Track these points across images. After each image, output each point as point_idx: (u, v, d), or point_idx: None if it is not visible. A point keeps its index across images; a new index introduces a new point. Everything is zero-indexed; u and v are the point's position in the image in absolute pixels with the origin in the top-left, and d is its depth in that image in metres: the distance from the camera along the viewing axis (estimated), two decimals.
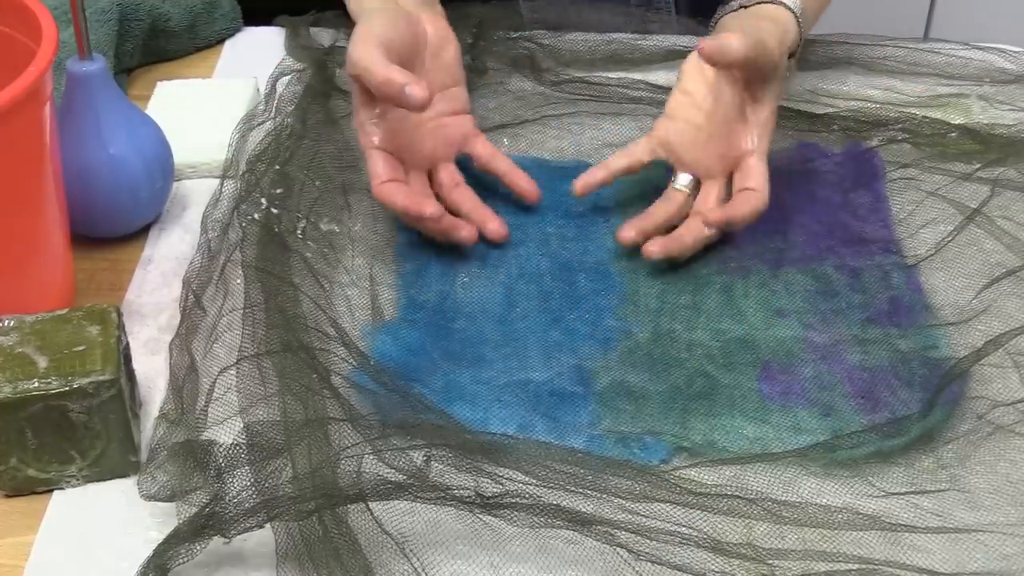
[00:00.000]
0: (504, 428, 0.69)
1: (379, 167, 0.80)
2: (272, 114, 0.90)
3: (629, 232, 0.80)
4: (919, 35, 1.74)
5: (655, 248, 0.79)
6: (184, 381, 0.70)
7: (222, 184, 0.84)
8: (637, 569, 0.61)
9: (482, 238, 0.82)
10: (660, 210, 0.82)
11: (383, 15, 0.81)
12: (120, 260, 0.82)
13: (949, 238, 0.82)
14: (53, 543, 0.64)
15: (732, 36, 0.78)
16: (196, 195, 0.87)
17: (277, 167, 0.84)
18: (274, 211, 0.81)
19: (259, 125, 0.89)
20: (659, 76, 0.97)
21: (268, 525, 0.61)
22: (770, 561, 0.61)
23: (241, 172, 0.84)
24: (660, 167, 0.88)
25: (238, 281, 0.77)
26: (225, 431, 0.68)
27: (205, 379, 0.71)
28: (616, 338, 0.75)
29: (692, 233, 0.80)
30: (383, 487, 0.62)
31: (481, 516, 0.63)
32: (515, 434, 0.68)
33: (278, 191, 0.82)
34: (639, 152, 0.84)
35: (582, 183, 0.83)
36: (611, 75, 0.97)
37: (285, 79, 0.94)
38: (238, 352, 0.71)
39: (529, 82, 0.96)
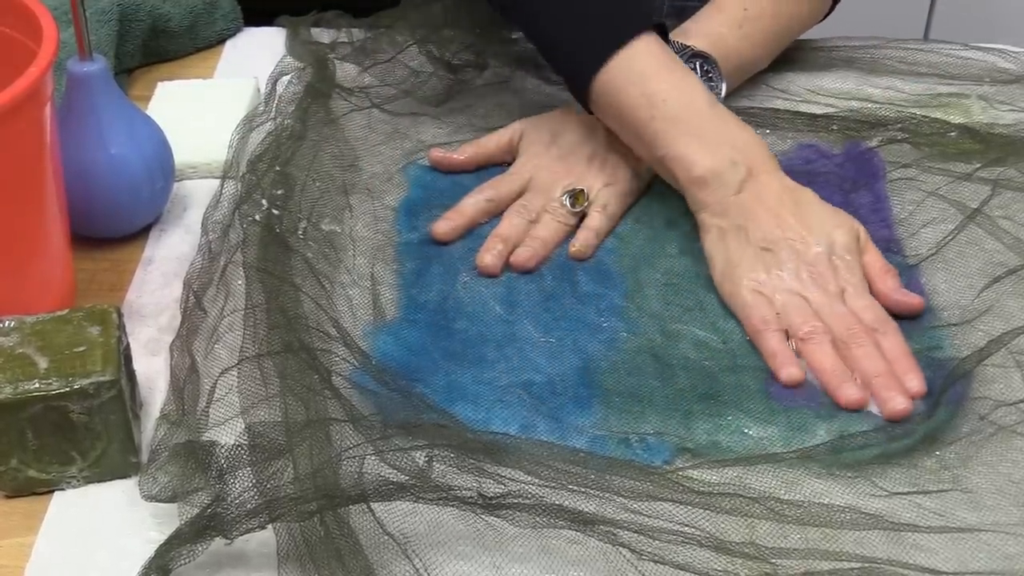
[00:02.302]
0: (506, 428, 0.68)
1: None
2: (272, 114, 0.90)
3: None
4: (919, 35, 1.74)
5: None
6: (185, 382, 0.70)
7: (222, 185, 0.84)
8: (640, 569, 0.61)
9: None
10: None
11: None
12: (121, 260, 0.82)
13: (950, 238, 0.82)
14: (54, 544, 0.64)
15: (464, 148, 0.88)
16: (197, 195, 0.87)
17: (277, 168, 0.84)
18: (275, 212, 0.81)
19: (259, 126, 0.89)
20: None
21: (270, 526, 0.61)
22: (773, 560, 0.61)
23: (242, 173, 0.84)
24: None
25: (239, 282, 0.77)
26: (226, 432, 0.68)
27: (206, 380, 0.70)
28: (619, 338, 0.75)
29: None
30: (385, 488, 0.62)
31: (483, 516, 0.62)
32: (517, 434, 0.68)
33: (279, 192, 0.82)
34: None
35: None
36: None
37: (285, 79, 0.94)
38: (239, 353, 0.71)
39: (531, 80, 0.96)
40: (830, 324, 0.74)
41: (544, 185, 0.84)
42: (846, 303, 0.75)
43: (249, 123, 0.89)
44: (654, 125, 0.80)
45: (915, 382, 0.71)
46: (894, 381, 0.71)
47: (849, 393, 0.70)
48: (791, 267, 0.76)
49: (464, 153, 0.88)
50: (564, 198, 0.83)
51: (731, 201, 0.78)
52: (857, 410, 0.70)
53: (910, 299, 0.76)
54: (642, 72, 0.81)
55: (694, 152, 0.79)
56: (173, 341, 0.73)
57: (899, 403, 0.69)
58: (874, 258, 0.78)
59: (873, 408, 0.70)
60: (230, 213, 0.81)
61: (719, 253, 0.78)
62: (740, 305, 0.76)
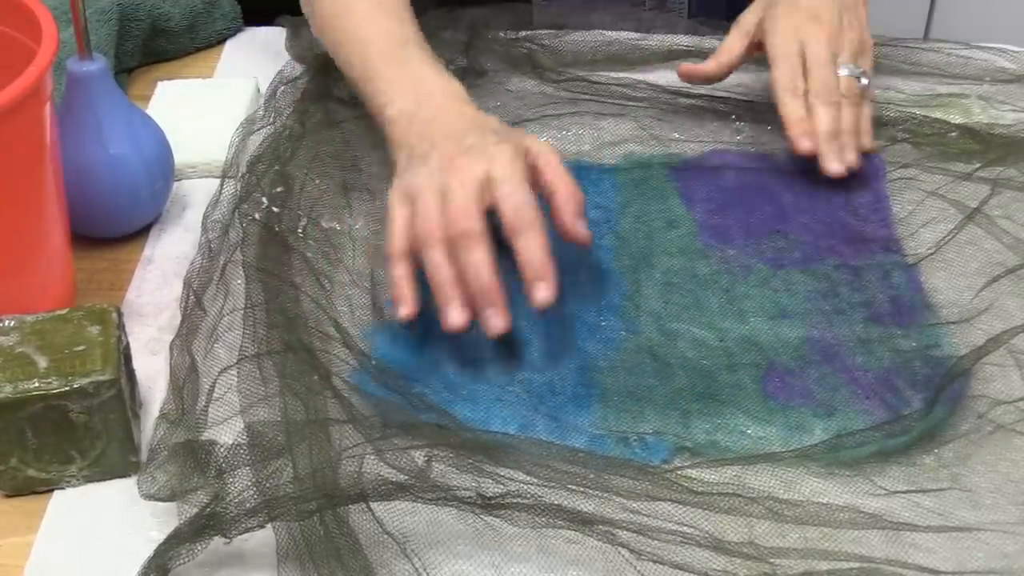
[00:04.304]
0: (505, 428, 0.68)
1: None
2: (271, 118, 0.90)
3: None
4: (919, 35, 1.74)
5: None
6: (185, 381, 0.70)
7: (222, 185, 0.84)
8: (639, 568, 0.61)
9: None
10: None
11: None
12: (120, 260, 0.82)
13: (949, 237, 0.82)
14: (53, 543, 0.64)
15: (711, 62, 0.91)
16: (196, 195, 0.87)
17: (277, 168, 0.84)
18: (275, 210, 0.81)
19: (260, 129, 0.89)
20: (660, 76, 0.97)
21: (269, 525, 0.61)
22: (771, 560, 0.61)
23: (241, 174, 0.84)
24: (660, 168, 0.88)
25: (239, 281, 0.77)
26: (226, 431, 0.68)
27: (205, 379, 0.70)
28: (618, 337, 0.75)
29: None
30: (384, 487, 0.62)
31: (482, 516, 0.62)
32: (516, 434, 0.68)
33: (278, 190, 0.82)
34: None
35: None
36: (612, 75, 0.97)
37: (286, 80, 0.94)
38: (239, 352, 0.71)
39: (530, 82, 0.96)
40: (446, 226, 0.71)
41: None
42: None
43: (249, 125, 0.89)
44: (367, 86, 0.83)
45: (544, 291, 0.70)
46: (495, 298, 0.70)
47: (454, 317, 0.70)
48: (451, 183, 0.72)
49: (713, 63, 0.91)
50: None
51: (418, 132, 0.77)
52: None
53: (578, 232, 0.73)
54: (361, 37, 0.84)
55: (386, 97, 0.80)
56: (173, 340, 0.73)
57: (496, 321, 0.69)
58: (556, 177, 0.74)
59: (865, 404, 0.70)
60: (230, 212, 0.81)
61: (398, 176, 0.76)
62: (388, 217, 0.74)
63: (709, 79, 0.92)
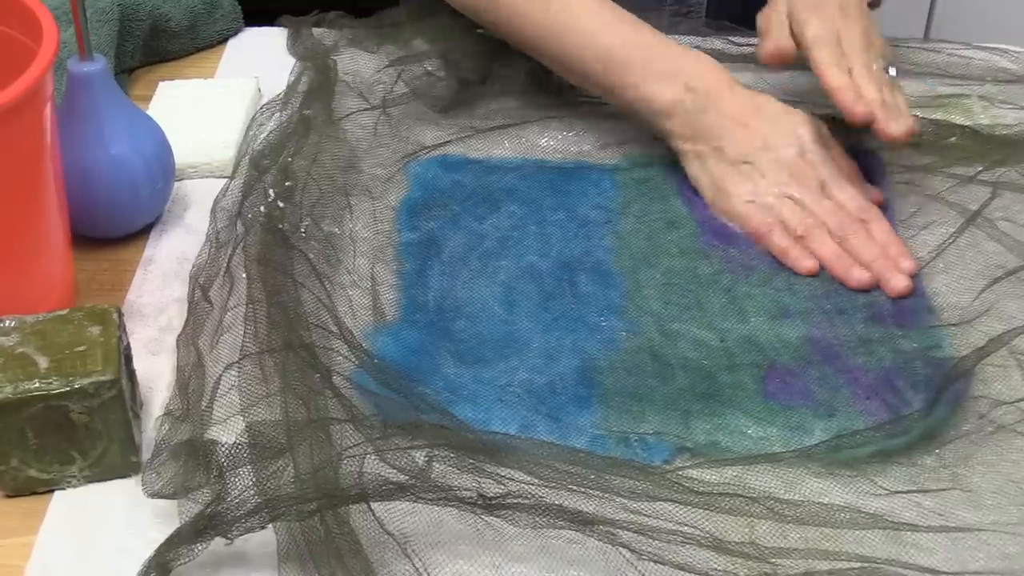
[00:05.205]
0: (506, 428, 0.68)
1: None
2: (280, 107, 0.90)
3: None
4: (919, 35, 1.74)
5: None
6: (190, 377, 0.70)
7: (234, 173, 0.83)
8: (639, 569, 0.61)
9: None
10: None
11: None
12: (121, 260, 0.82)
13: (950, 240, 0.82)
14: (54, 543, 0.64)
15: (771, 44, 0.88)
16: (197, 195, 0.87)
17: (282, 160, 0.84)
18: (280, 204, 0.80)
19: (272, 117, 0.89)
20: None
21: (270, 525, 0.61)
22: (772, 560, 0.61)
23: (247, 169, 0.84)
24: (661, 168, 0.88)
25: (244, 275, 0.77)
26: (227, 431, 0.67)
27: (211, 374, 0.70)
28: (618, 338, 0.75)
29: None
30: (385, 487, 0.62)
31: (483, 516, 0.62)
32: (517, 434, 0.68)
33: (287, 184, 0.82)
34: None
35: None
36: None
37: (291, 77, 0.94)
38: (240, 351, 0.71)
39: (531, 83, 0.96)
40: (822, 220, 0.80)
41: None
42: (829, 196, 0.81)
43: (270, 113, 0.89)
44: (610, 79, 0.86)
45: (907, 263, 0.78)
46: (891, 263, 0.78)
47: (858, 275, 0.78)
48: (772, 172, 0.81)
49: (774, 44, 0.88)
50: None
51: (699, 124, 0.83)
52: (867, 291, 0.77)
53: (872, 195, 0.83)
54: (584, 28, 0.86)
55: (652, 89, 0.85)
56: (179, 335, 0.73)
57: (900, 281, 0.77)
58: (839, 153, 0.84)
59: (870, 403, 0.70)
60: (238, 202, 0.81)
61: (703, 176, 0.84)
62: (737, 219, 0.82)
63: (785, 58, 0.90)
